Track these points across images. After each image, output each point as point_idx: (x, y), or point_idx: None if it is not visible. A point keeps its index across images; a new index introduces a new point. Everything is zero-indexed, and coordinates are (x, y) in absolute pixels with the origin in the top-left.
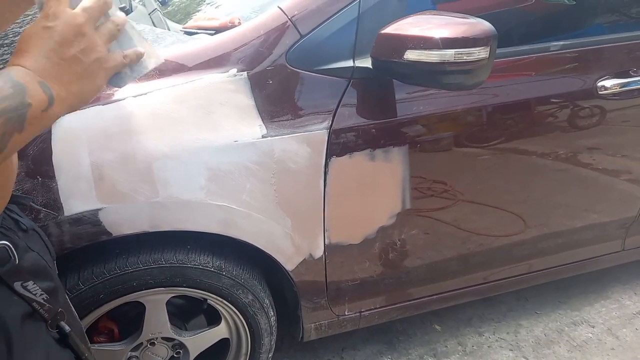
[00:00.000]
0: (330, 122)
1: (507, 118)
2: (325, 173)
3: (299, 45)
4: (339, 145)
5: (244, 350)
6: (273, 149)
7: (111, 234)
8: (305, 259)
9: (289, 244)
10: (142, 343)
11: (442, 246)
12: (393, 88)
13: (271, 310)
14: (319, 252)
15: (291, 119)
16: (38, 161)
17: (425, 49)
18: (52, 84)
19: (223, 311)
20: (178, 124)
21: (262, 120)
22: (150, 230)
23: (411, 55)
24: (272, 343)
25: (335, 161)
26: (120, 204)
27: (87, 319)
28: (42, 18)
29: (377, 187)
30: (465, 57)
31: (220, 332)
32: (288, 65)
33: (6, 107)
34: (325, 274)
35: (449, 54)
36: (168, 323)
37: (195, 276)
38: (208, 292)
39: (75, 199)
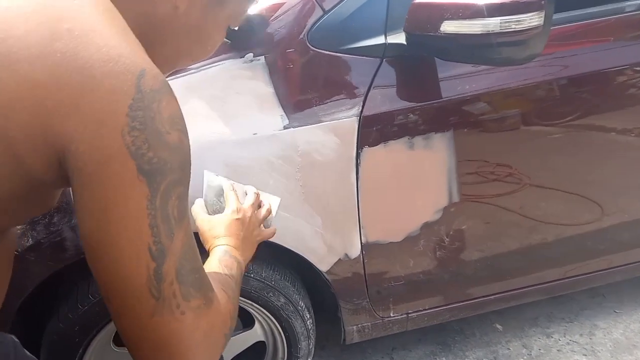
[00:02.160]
0: (361, 108)
1: (580, 91)
2: (357, 165)
3: (322, 23)
4: (371, 133)
5: (280, 355)
6: (297, 141)
7: None
8: (340, 259)
9: (320, 244)
10: None
11: (500, 240)
12: (434, 65)
13: (307, 313)
14: (355, 252)
15: (316, 107)
16: None
17: (465, 18)
18: (242, 254)
19: (255, 314)
20: (191, 117)
21: (284, 109)
22: None
23: (449, 26)
24: (310, 347)
25: (367, 152)
26: None
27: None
28: (232, 213)
29: (418, 179)
30: (514, 26)
31: (254, 335)
32: (310, 46)
33: (240, 274)
34: (365, 275)
35: (493, 22)
36: None
37: None
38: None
39: None
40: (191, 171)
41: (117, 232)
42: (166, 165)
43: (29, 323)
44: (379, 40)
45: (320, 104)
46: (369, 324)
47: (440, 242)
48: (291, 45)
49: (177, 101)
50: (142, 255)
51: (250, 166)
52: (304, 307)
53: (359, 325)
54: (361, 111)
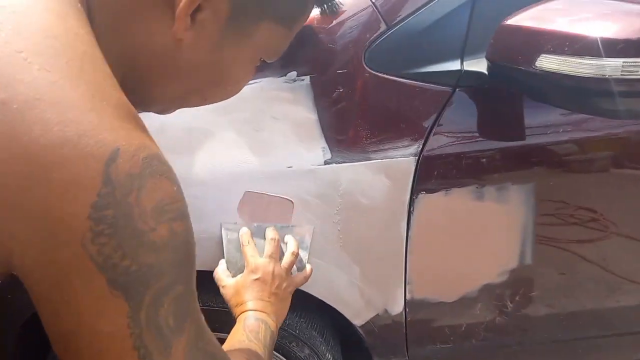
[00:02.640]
0: (421, 146)
1: None
2: (410, 213)
3: (383, 40)
4: (431, 177)
5: None
6: (339, 179)
7: None
8: (378, 314)
9: (356, 296)
10: None
11: (580, 315)
12: (521, 103)
13: None
14: (397, 308)
15: (366, 141)
16: None
17: (571, 54)
18: (273, 315)
19: None
20: (218, 142)
21: (327, 140)
22: None
23: (547, 62)
24: None
25: (424, 199)
26: None
27: None
28: (249, 273)
29: (484, 236)
30: None
31: None
32: (367, 68)
33: (271, 337)
34: (406, 334)
35: (611, 65)
36: None
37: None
38: None
39: None
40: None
41: (92, 357)
42: (152, 271)
43: (29, 350)
44: (453, 65)
45: (371, 138)
46: None
47: (502, 307)
48: (344, 65)
49: (169, 177)
50: None
51: None
52: (330, 359)
53: None
54: (421, 150)
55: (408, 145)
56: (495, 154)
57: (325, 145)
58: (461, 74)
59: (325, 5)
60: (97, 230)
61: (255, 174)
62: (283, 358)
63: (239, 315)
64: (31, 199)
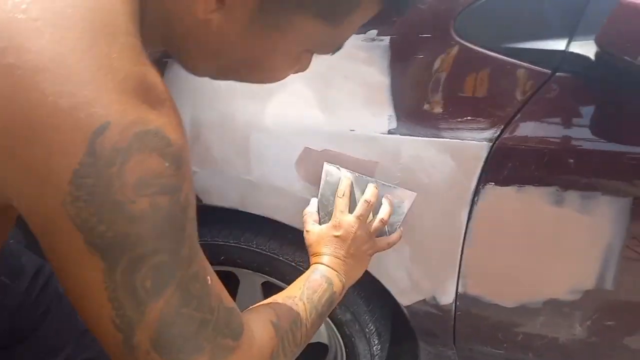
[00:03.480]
0: (499, 131)
1: None
2: (473, 203)
3: (477, 6)
4: (504, 168)
5: None
6: (400, 151)
7: (201, 200)
8: (425, 299)
9: (403, 276)
10: None
11: None
12: (630, 102)
13: (376, 337)
14: (446, 299)
15: (438, 116)
16: None
17: None
18: (343, 275)
19: None
20: (288, 93)
21: (395, 109)
22: (241, 209)
23: None
24: None
25: (492, 190)
26: (212, 171)
27: None
28: (332, 228)
29: (557, 245)
30: None
31: (315, 335)
32: (454, 36)
33: (327, 298)
34: (454, 327)
35: None
36: None
37: (285, 271)
38: None
39: None
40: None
41: (76, 296)
42: (128, 239)
43: None
44: (557, 45)
45: (444, 114)
46: None
47: (569, 328)
48: (429, 30)
49: (162, 152)
50: (106, 325)
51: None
52: (373, 330)
53: None
54: (498, 136)
55: (484, 129)
56: (587, 155)
57: (393, 113)
58: (564, 55)
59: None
60: (76, 195)
61: (317, 132)
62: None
63: (312, 264)
64: (26, 154)
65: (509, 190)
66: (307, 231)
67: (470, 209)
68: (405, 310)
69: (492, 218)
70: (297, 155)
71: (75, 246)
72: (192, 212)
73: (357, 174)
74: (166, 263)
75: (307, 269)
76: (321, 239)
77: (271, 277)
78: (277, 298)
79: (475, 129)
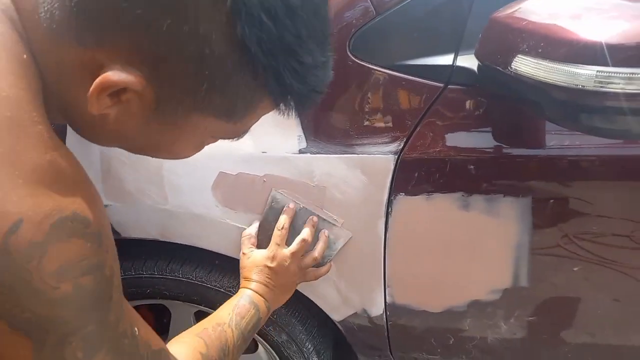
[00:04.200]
0: (402, 144)
1: None
2: (388, 214)
3: (370, 27)
4: (411, 179)
5: None
6: (313, 170)
7: (120, 234)
8: (357, 313)
9: (332, 292)
10: None
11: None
12: (517, 107)
13: (315, 356)
14: (376, 310)
15: (344, 134)
16: None
17: (544, 57)
18: (270, 302)
19: (258, 340)
20: None
21: (303, 129)
22: (162, 239)
23: (522, 64)
24: None
25: (403, 201)
26: (127, 204)
27: None
28: (266, 258)
29: (470, 249)
30: (618, 85)
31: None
32: (351, 56)
33: (254, 323)
34: (389, 338)
35: (585, 73)
36: None
37: (215, 299)
38: None
39: None
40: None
41: None
42: (53, 321)
43: None
44: (446, 59)
45: (349, 131)
46: None
47: (495, 327)
48: None
49: (83, 234)
50: None
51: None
52: (311, 349)
53: None
54: (402, 149)
55: (388, 143)
56: (485, 160)
57: (302, 133)
58: (453, 69)
59: (283, 105)
60: None
61: (230, 155)
62: (261, 339)
63: (241, 288)
64: None
65: (419, 200)
66: (243, 253)
67: (386, 220)
68: (339, 326)
69: (408, 227)
70: (213, 180)
71: (1, 330)
72: (117, 279)
73: (301, 206)
74: (95, 332)
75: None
76: (254, 266)
77: (201, 305)
78: (207, 325)
79: (381, 143)
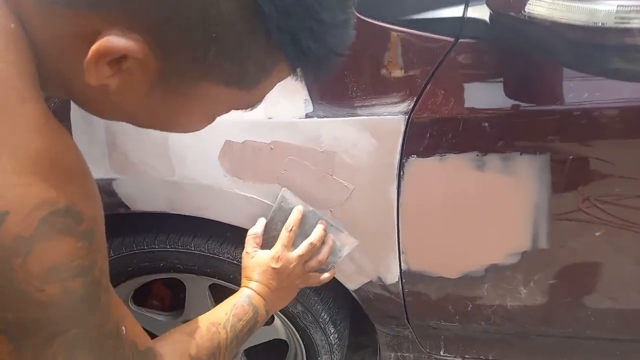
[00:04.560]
0: (412, 104)
1: None
2: (400, 177)
3: None
4: (422, 140)
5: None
6: (320, 135)
7: (129, 207)
8: (372, 281)
9: (346, 261)
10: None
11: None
12: (531, 59)
13: (331, 326)
14: (391, 278)
15: (352, 95)
16: (57, 116)
17: None
18: (269, 304)
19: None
20: None
21: (309, 92)
22: (170, 211)
23: (537, 7)
24: None
25: (415, 163)
26: (134, 176)
27: (130, 282)
28: (271, 259)
29: (487, 211)
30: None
31: (272, 332)
32: (357, 13)
33: (250, 326)
34: (405, 306)
35: (606, 10)
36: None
37: (228, 271)
38: None
39: (90, 164)
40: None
41: None
42: (37, 323)
43: None
44: (456, 12)
45: (358, 93)
46: (411, 355)
47: (515, 293)
48: None
49: (73, 232)
50: None
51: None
52: (327, 319)
53: (399, 354)
54: (412, 108)
55: (398, 102)
56: (499, 116)
57: (308, 97)
58: (463, 21)
59: (300, 69)
60: None
61: (236, 123)
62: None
63: (242, 287)
64: None
65: (432, 161)
66: (246, 252)
67: (399, 184)
68: (354, 295)
69: (421, 190)
70: (219, 150)
71: None
72: (106, 279)
73: (310, 209)
74: (78, 334)
75: None
76: (258, 266)
77: (215, 278)
78: (202, 324)
79: (390, 104)
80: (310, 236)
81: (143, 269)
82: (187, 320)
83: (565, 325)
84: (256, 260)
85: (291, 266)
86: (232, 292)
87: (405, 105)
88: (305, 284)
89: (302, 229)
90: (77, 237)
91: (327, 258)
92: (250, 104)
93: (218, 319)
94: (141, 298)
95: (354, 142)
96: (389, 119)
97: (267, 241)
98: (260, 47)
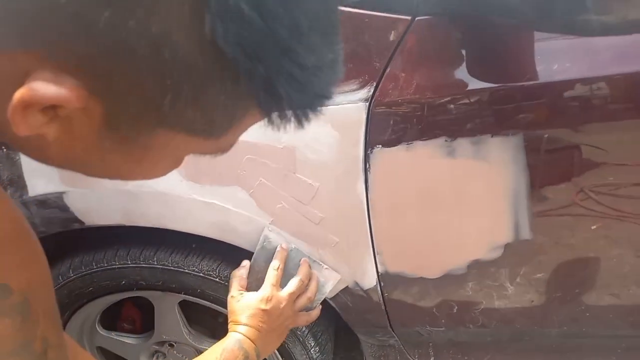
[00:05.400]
0: (372, 89)
1: None
2: (366, 171)
3: None
4: (386, 128)
5: None
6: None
7: (83, 222)
8: (348, 287)
9: (316, 265)
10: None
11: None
12: (497, 30)
13: (311, 339)
14: (369, 282)
15: None
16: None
17: None
18: (260, 348)
19: None
20: None
21: None
22: (127, 224)
23: None
24: None
25: (381, 154)
26: (85, 189)
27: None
28: (260, 300)
29: (462, 201)
30: None
31: None
32: None
33: None
34: (386, 312)
35: None
36: (183, 328)
37: (195, 285)
38: (214, 304)
39: (39, 177)
40: None
41: None
42: None
43: None
44: None
45: None
46: None
47: (501, 289)
48: None
49: (2, 312)
50: None
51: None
52: (306, 332)
53: None
54: (373, 94)
55: (357, 89)
56: (465, 97)
57: None
58: None
59: (277, 117)
60: None
61: None
62: None
63: (230, 332)
64: None
65: (398, 151)
66: (232, 296)
67: (366, 179)
68: (332, 304)
69: (390, 184)
70: None
71: None
72: (54, 350)
73: (292, 247)
74: None
75: (217, 278)
76: (247, 309)
77: (182, 294)
78: None
79: (348, 91)
80: (298, 273)
81: (105, 288)
82: (159, 342)
83: (560, 324)
84: (244, 303)
85: (281, 306)
86: (204, 308)
87: (365, 92)
88: (294, 324)
89: (286, 268)
90: (4, 314)
91: (315, 294)
92: (221, 150)
93: None
94: (111, 321)
95: (314, 135)
96: (349, 107)
97: (252, 283)
98: (227, 94)
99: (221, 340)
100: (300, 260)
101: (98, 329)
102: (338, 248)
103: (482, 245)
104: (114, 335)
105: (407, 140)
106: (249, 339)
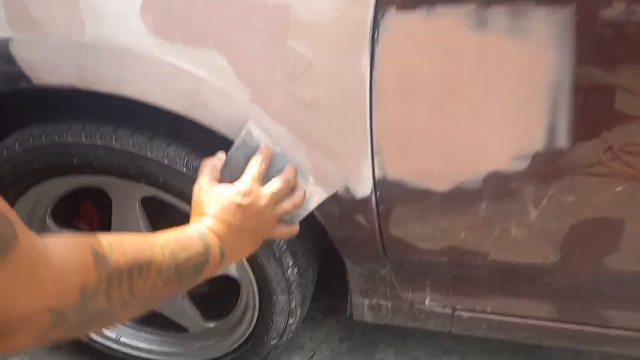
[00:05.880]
0: None
1: None
2: (373, 42)
3: None
4: None
5: (251, 302)
6: None
7: (31, 80)
8: (338, 193)
9: (302, 156)
10: None
11: None
12: None
13: (289, 258)
14: (362, 189)
15: None
16: None
17: None
18: (226, 247)
19: None
20: None
21: None
22: (81, 86)
23: None
24: (292, 306)
25: (394, 20)
26: (34, 36)
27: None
28: (236, 193)
29: (490, 92)
30: None
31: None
32: None
33: (197, 262)
34: (380, 230)
35: None
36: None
37: (157, 173)
38: (180, 199)
39: None
40: None
41: None
42: None
43: None
44: None
45: None
46: (388, 303)
47: (521, 214)
48: None
49: None
50: None
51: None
52: (284, 248)
53: (373, 301)
54: None
55: None
56: None
57: None
58: None
59: None
60: None
61: None
62: None
63: (192, 222)
64: None
65: (416, 17)
66: (200, 186)
67: (372, 52)
68: (316, 214)
69: (402, 61)
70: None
71: None
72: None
73: (277, 149)
74: None
75: (184, 168)
76: (217, 201)
77: (141, 182)
78: (131, 235)
79: None
80: (284, 172)
81: (54, 167)
82: None
83: (583, 271)
84: (214, 194)
85: (261, 203)
86: (171, 209)
87: None
88: (271, 233)
89: (267, 171)
90: None
91: (302, 202)
92: None
93: (155, 239)
94: (66, 218)
95: None
96: None
97: (225, 179)
98: None
99: (178, 227)
100: (284, 166)
101: (49, 223)
102: (328, 140)
103: (504, 152)
104: (65, 231)
105: (428, 4)
106: (214, 232)
